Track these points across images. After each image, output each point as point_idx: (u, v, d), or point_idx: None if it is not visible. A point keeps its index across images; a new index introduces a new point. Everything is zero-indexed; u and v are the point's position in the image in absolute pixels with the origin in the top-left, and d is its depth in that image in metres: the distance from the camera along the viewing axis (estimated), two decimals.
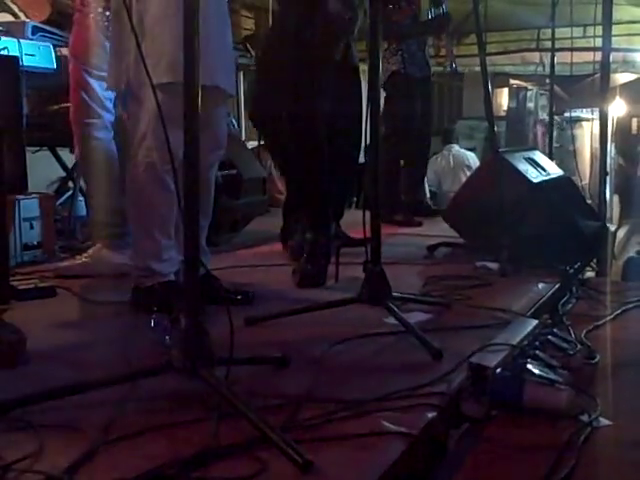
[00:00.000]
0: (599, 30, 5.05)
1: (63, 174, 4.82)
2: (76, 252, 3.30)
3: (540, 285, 2.81)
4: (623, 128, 10.29)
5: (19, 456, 1.33)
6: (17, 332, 1.86)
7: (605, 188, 4.33)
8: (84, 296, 2.63)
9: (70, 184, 4.56)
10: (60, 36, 4.22)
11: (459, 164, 7.94)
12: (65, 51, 4.18)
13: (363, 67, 4.74)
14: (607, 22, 4.32)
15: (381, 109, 4.32)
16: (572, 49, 4.84)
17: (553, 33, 4.47)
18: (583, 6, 5.53)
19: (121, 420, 1.48)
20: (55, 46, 4.08)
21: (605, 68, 4.28)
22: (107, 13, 2.83)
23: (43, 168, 4.75)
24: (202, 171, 2.10)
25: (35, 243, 3.29)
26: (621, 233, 6.47)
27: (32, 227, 3.27)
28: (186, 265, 1.55)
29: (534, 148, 4.24)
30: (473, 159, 7.99)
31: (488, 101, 3.47)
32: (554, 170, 3.78)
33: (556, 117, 9.48)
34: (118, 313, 2.42)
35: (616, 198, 8.40)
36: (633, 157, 10.99)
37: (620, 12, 4.78)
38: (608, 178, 5.68)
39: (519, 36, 7.75)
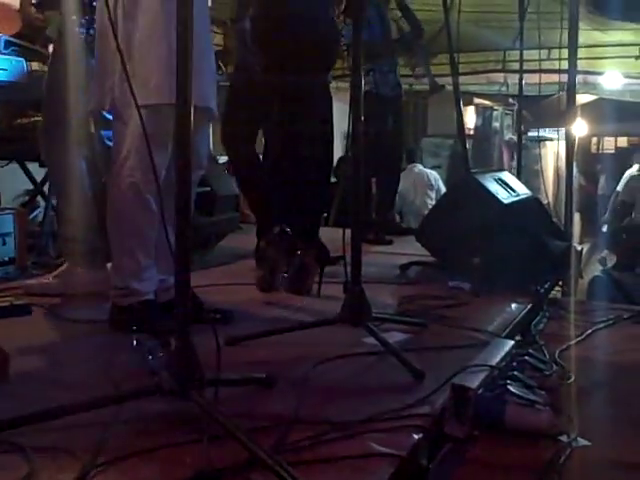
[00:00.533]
0: (563, 53, 5.19)
1: (29, 187, 4.79)
2: (49, 268, 3.28)
3: (513, 305, 2.87)
4: (583, 148, 10.53)
5: None
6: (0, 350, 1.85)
7: (572, 207, 4.43)
8: (60, 314, 2.60)
9: (39, 198, 4.54)
10: (31, 50, 4.21)
11: (422, 183, 8.03)
12: (35, 65, 4.17)
13: (334, 85, 4.82)
14: (573, 46, 4.45)
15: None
16: (540, 71, 4.94)
17: (521, 55, 4.58)
18: (548, 30, 5.68)
19: (111, 442, 1.48)
20: (26, 60, 4.06)
21: (571, 89, 4.40)
22: (91, 32, 2.83)
23: (9, 181, 4.72)
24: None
25: (7, 259, 3.26)
26: (583, 251, 6.60)
27: (5, 243, 3.25)
28: (176, 286, 1.55)
29: (503, 169, 4.33)
30: (435, 178, 8.08)
31: (460, 122, 3.53)
32: (523, 190, 3.86)
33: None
34: (97, 332, 2.41)
35: (577, 216, 8.56)
36: (593, 176, 11.24)
37: (583, 36, 4.89)
38: (565, 198, 5.82)
39: (485, 57, 7.89)
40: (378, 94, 4.63)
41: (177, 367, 1.51)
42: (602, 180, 11.86)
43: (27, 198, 4.94)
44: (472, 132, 10.65)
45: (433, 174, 8.28)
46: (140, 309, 2.39)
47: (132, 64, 2.28)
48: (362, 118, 2.19)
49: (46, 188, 4.43)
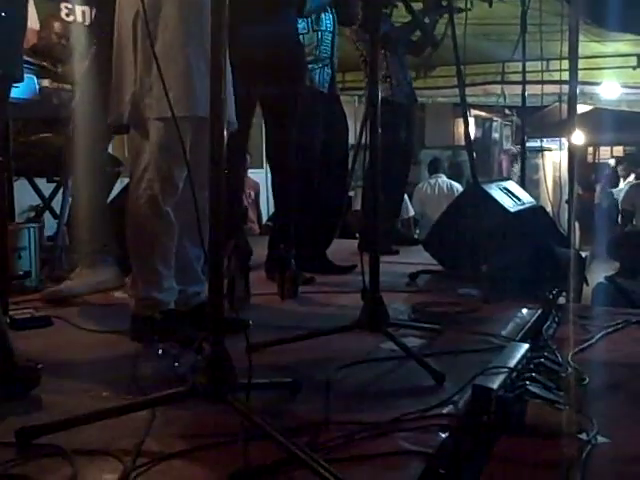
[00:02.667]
0: (563, 64, 5.27)
1: (33, 203, 4.84)
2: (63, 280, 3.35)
3: (524, 310, 2.92)
4: (580, 157, 10.62)
5: None
6: (31, 361, 1.90)
7: (573, 216, 4.50)
8: (81, 325, 2.65)
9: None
10: (42, 67, 4.27)
11: (444, 194, 8.07)
12: (46, 82, 4.23)
13: (346, 98, 4.89)
14: (573, 57, 4.52)
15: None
16: (542, 82, 5.02)
17: (524, 67, 4.65)
18: (546, 42, 5.77)
19: (150, 445, 1.53)
20: (37, 77, 4.12)
21: (572, 100, 4.47)
22: None
23: (16, 197, 4.77)
24: (203, 203, 2.18)
25: (23, 272, 3.31)
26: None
27: (20, 257, 3.29)
28: (210, 292, 1.61)
29: (508, 178, 4.39)
30: (457, 189, 8.13)
31: (468, 133, 3.60)
32: (528, 199, 3.93)
33: (519, 147, 9.76)
34: (119, 342, 2.46)
35: (576, 224, 8.62)
36: (590, 185, 11.32)
37: (581, 47, 4.96)
38: (567, 206, 5.87)
39: (484, 69, 7.98)
40: (393, 102, 4.66)
41: (212, 371, 1.56)
42: (598, 189, 11.96)
43: (33, 214, 4.98)
44: None
45: (456, 185, 8.33)
46: (161, 319, 2.43)
47: (151, 78, 2.34)
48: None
49: (54, 203, 4.49)
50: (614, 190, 10.38)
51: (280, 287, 3.25)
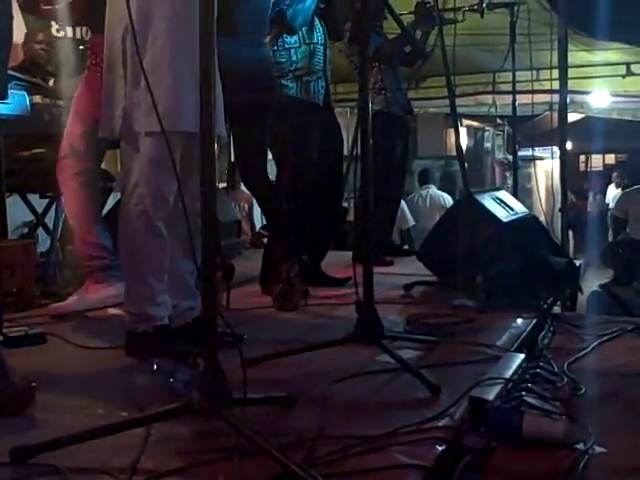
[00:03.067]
0: (553, 73, 5.30)
1: (26, 219, 4.83)
2: (57, 297, 3.34)
3: (519, 320, 2.92)
4: (572, 166, 10.67)
5: None
6: (25, 378, 1.89)
7: (566, 224, 4.52)
8: (76, 342, 2.64)
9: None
10: (33, 83, 4.27)
11: (436, 205, 8.07)
12: (37, 98, 4.23)
13: (338, 110, 4.90)
14: (563, 66, 4.56)
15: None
16: (532, 91, 5.04)
17: (514, 76, 4.67)
18: (536, 52, 5.81)
19: (145, 462, 1.52)
20: (29, 94, 4.12)
21: (563, 109, 4.51)
22: None
23: (8, 213, 4.76)
24: (192, 217, 2.18)
25: (16, 290, 3.30)
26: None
27: (13, 274, 3.29)
28: (204, 308, 1.60)
29: (500, 188, 4.41)
30: (449, 200, 8.13)
31: (459, 144, 3.61)
32: (520, 209, 3.93)
33: (510, 156, 9.78)
34: (113, 358, 2.45)
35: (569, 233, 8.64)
36: (582, 193, 11.37)
37: (571, 56, 4.99)
38: (561, 215, 5.90)
39: (475, 79, 8.01)
40: (389, 113, 4.67)
41: (207, 387, 1.55)
42: (591, 197, 12.01)
43: (27, 230, 4.97)
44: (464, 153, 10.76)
45: (446, 197, 8.33)
46: (155, 334, 2.42)
47: (139, 92, 2.34)
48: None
49: (47, 219, 4.48)
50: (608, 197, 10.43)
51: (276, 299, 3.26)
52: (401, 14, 4.88)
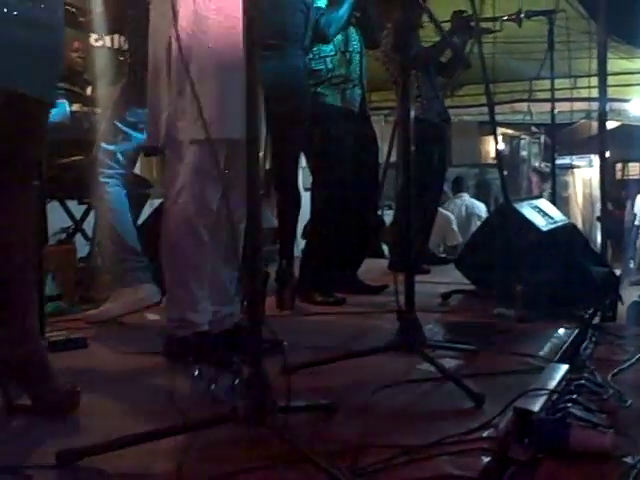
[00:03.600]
0: (589, 80, 5.25)
1: (65, 225, 4.87)
2: (96, 303, 3.37)
3: (560, 331, 2.88)
4: (608, 174, 10.51)
5: None
6: (70, 383, 1.90)
7: (605, 234, 4.46)
8: (116, 347, 2.66)
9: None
10: (72, 92, 4.33)
11: (470, 214, 8.00)
12: (76, 107, 4.29)
13: (375, 117, 4.89)
14: (602, 74, 4.51)
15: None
16: (571, 99, 4.99)
17: (552, 84, 4.62)
18: (573, 60, 5.77)
19: (189, 468, 1.52)
20: (69, 102, 4.18)
21: (602, 117, 4.46)
22: None
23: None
24: (235, 225, 2.18)
25: (56, 295, 3.34)
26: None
27: (54, 279, 3.32)
28: (249, 315, 1.60)
29: (539, 196, 4.36)
30: (483, 209, 8.05)
31: (498, 152, 3.59)
32: (560, 217, 3.89)
33: (546, 165, 9.69)
34: (154, 364, 2.46)
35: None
36: (620, 202, 11.20)
37: (610, 64, 4.94)
38: (600, 223, 5.83)
39: (511, 87, 7.96)
40: (425, 120, 4.65)
41: (251, 394, 1.54)
42: (628, 206, 11.82)
43: (64, 235, 5.02)
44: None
45: (481, 206, 8.26)
46: (195, 340, 2.43)
47: (184, 100, 2.36)
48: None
49: (85, 225, 4.53)
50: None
51: (279, 299, 3.35)
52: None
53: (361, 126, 3.93)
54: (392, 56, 4.45)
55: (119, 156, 3.29)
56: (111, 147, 3.27)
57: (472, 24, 4.54)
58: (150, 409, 1.97)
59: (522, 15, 4.91)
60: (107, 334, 2.88)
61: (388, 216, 8.27)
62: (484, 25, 4.76)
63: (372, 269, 4.32)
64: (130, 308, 3.10)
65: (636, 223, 7.71)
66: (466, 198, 8.40)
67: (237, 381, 1.69)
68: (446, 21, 5.02)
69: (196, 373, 2.10)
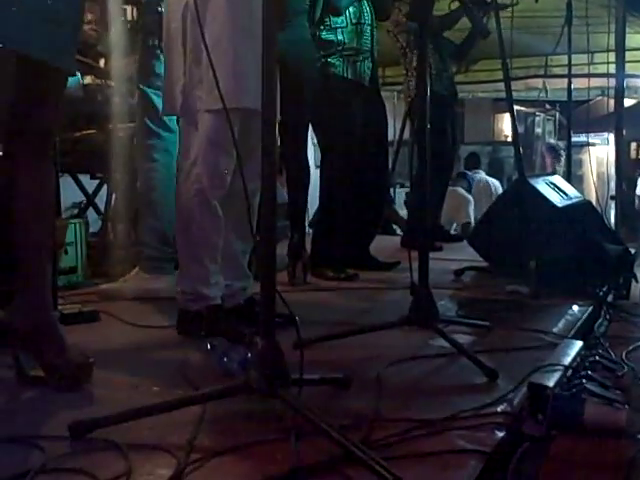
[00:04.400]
0: (607, 56, 5.17)
1: (77, 200, 4.87)
2: (107, 277, 3.37)
3: (574, 307, 2.87)
4: (623, 153, 10.41)
5: (111, 476, 1.36)
6: (84, 355, 1.90)
7: (619, 212, 4.42)
8: (129, 320, 2.66)
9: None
10: (85, 64, 4.29)
11: (487, 190, 7.94)
12: (88, 79, 4.26)
13: (385, 94, 4.84)
14: (620, 50, 4.45)
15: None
16: (588, 75, 4.93)
17: (570, 60, 4.56)
18: (590, 35, 5.68)
19: (202, 440, 1.52)
20: (81, 74, 4.15)
21: (619, 93, 4.40)
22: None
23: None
24: (250, 197, 2.16)
25: (69, 268, 3.34)
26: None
27: (67, 252, 3.32)
28: (261, 287, 1.59)
29: (554, 173, 4.32)
30: (497, 186, 7.98)
31: (515, 128, 3.54)
32: (575, 194, 3.86)
33: (560, 142, 9.61)
34: (165, 336, 2.46)
35: None
36: (634, 181, 11.11)
37: (628, 40, 4.88)
38: (614, 202, 5.78)
39: (526, 63, 7.87)
40: (432, 92, 4.59)
41: (265, 366, 1.54)
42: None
43: (77, 210, 5.03)
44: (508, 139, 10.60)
45: (495, 182, 8.20)
46: (209, 314, 2.42)
47: (201, 70, 2.33)
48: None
49: (97, 200, 4.53)
50: None
51: (290, 274, 3.36)
52: None
53: (371, 100, 3.89)
54: (403, 25, 4.41)
55: (167, 122, 3.18)
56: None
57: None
58: (162, 382, 1.96)
59: None
60: (119, 307, 2.88)
61: (400, 194, 8.26)
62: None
63: (384, 246, 4.31)
64: (145, 295, 3.06)
65: None
66: (482, 175, 8.33)
67: (250, 354, 1.67)
68: None
69: (209, 347, 2.10)
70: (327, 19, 3.74)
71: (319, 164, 3.87)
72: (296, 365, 1.61)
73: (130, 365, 2.16)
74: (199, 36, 2.31)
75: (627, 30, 5.23)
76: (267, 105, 1.57)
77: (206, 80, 2.28)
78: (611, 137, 5.38)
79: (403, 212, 6.31)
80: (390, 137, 5.79)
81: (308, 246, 3.75)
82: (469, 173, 8.16)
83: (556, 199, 3.53)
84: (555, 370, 1.92)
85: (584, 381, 1.88)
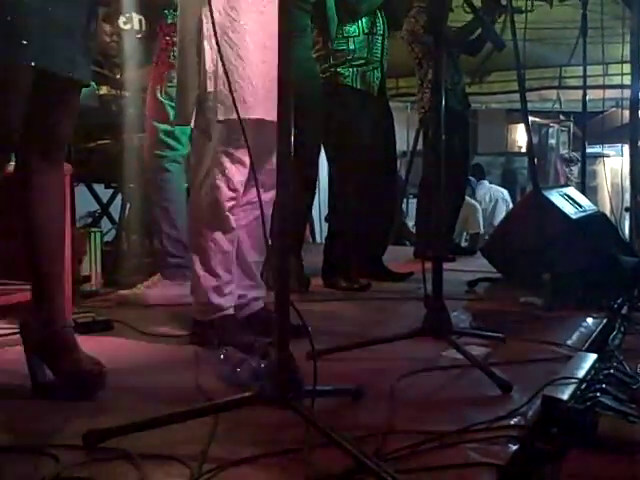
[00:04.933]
0: (622, 67, 5.15)
1: (91, 209, 4.89)
2: (120, 286, 3.39)
3: (588, 320, 2.85)
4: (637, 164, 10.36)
5: None
6: (98, 364, 1.91)
7: (633, 223, 4.39)
8: (142, 329, 2.66)
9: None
10: (101, 74, 4.32)
11: (495, 199, 7.94)
12: (104, 89, 4.28)
13: (396, 104, 4.84)
14: (635, 61, 4.44)
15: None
16: (603, 87, 4.91)
17: (585, 71, 4.55)
18: (605, 46, 5.67)
19: (215, 450, 1.52)
20: (97, 84, 4.17)
21: (635, 104, 4.39)
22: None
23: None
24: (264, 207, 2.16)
25: (82, 277, 3.35)
26: None
27: (81, 261, 3.34)
28: (275, 298, 1.59)
29: (568, 184, 4.31)
30: (507, 194, 7.97)
31: (530, 139, 3.54)
32: (589, 206, 3.85)
33: (575, 153, 9.58)
34: (179, 346, 2.46)
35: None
36: None
37: None
38: (628, 214, 5.74)
39: (540, 74, 7.85)
40: (447, 107, 4.58)
41: (278, 377, 1.54)
42: None
43: (90, 220, 5.05)
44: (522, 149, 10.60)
45: (503, 190, 8.19)
46: (221, 324, 2.43)
47: (215, 81, 2.34)
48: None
49: (112, 209, 4.55)
50: None
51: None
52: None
53: (378, 109, 3.89)
54: (420, 36, 4.41)
55: (178, 134, 3.22)
56: (167, 126, 3.21)
57: (503, 2, 4.47)
58: (175, 392, 1.96)
59: None
60: (134, 316, 2.88)
61: (413, 204, 8.26)
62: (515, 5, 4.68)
63: (398, 256, 4.30)
64: (169, 301, 3.07)
65: None
66: (486, 184, 8.33)
67: (263, 365, 1.68)
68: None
69: (222, 357, 2.10)
70: (339, 28, 3.73)
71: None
72: (309, 376, 1.61)
73: (143, 374, 2.17)
74: (215, 49, 2.33)
75: None
76: (282, 115, 1.57)
77: (220, 91, 2.29)
78: (625, 148, 5.37)
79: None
80: (404, 147, 5.79)
81: (321, 256, 3.75)
82: (472, 179, 8.15)
83: (570, 211, 3.52)
84: (569, 383, 1.91)
85: (598, 394, 1.86)
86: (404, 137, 6.31)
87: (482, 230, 7.39)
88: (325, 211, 4.10)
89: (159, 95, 3.21)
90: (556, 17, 6.15)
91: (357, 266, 3.70)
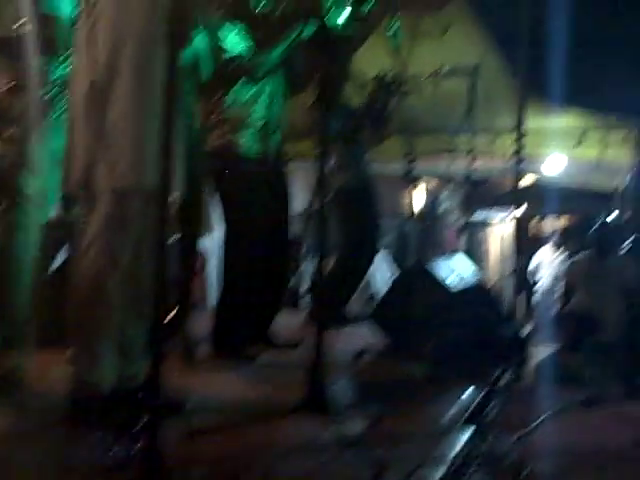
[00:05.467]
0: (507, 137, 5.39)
1: None
2: None
3: (468, 391, 2.91)
4: (523, 230, 10.77)
5: None
6: None
7: (520, 295, 4.56)
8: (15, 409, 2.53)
9: None
10: None
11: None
12: None
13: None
14: (520, 130, 4.69)
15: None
16: (490, 155, 5.11)
17: (473, 139, 4.74)
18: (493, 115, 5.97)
19: None
20: None
21: (518, 174, 4.61)
22: None
23: None
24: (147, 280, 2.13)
25: None
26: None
27: None
28: (148, 382, 1.55)
29: (456, 252, 4.45)
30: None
31: (417, 209, 3.63)
32: (472, 276, 3.97)
33: (464, 219, 9.86)
34: (54, 427, 2.34)
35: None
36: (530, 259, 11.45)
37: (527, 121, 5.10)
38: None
39: (431, 141, 8.08)
40: (349, 190, 4.66)
41: (144, 465, 1.50)
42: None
43: None
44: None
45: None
46: (99, 402, 2.33)
47: (102, 149, 2.30)
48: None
49: None
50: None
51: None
52: None
53: (276, 174, 3.87)
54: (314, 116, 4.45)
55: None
56: None
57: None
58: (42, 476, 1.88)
59: (442, 72, 5.06)
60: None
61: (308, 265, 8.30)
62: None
63: (292, 322, 4.30)
64: None
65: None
66: None
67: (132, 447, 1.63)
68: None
69: (94, 438, 2.03)
70: (236, 91, 3.68)
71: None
72: (185, 456, 1.58)
73: (17, 457, 2.05)
74: (102, 115, 2.31)
75: (530, 111, 5.46)
76: (163, 187, 1.56)
77: (107, 159, 2.26)
78: (512, 214, 5.61)
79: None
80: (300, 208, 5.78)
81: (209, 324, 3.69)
82: None
83: (452, 282, 3.62)
84: (441, 463, 1.94)
85: (470, 472, 1.90)
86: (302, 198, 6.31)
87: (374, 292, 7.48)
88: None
89: None
90: (449, 88, 6.38)
91: (246, 335, 3.65)
